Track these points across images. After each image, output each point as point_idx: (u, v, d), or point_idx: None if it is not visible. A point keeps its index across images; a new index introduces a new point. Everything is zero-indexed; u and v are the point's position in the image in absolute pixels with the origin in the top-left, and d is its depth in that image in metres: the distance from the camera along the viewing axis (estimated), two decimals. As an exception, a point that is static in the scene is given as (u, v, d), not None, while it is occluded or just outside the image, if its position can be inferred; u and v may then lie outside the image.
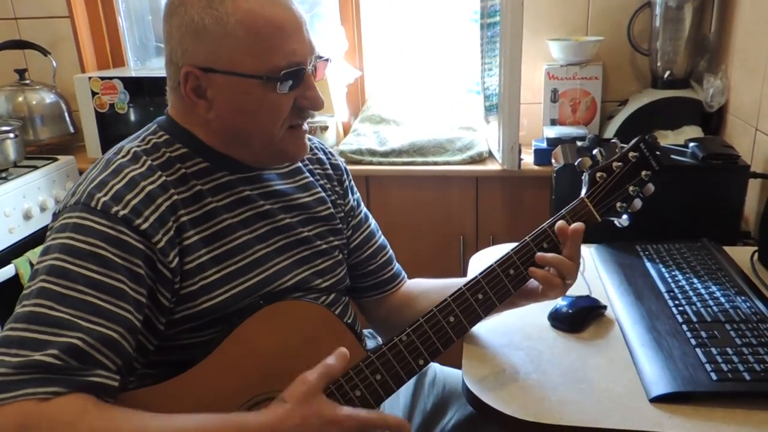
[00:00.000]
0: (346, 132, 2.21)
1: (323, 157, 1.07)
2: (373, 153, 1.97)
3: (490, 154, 1.95)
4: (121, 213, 0.79)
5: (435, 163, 1.93)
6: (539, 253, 0.90)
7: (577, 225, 0.90)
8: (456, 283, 0.93)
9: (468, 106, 2.18)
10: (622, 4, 1.93)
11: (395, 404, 1.12)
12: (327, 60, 0.93)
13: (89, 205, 0.79)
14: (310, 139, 1.08)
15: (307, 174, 1.02)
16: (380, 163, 1.95)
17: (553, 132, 1.87)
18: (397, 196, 1.96)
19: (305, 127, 0.94)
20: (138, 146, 0.89)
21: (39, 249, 0.93)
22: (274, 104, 0.87)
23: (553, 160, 1.67)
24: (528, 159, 1.89)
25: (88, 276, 0.75)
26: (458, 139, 1.99)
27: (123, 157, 0.86)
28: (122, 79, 2.02)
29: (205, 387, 0.81)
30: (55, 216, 0.83)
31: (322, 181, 1.04)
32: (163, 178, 0.86)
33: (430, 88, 2.32)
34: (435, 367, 1.21)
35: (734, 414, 0.80)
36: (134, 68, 2.26)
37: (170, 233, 0.83)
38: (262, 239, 0.92)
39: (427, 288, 1.12)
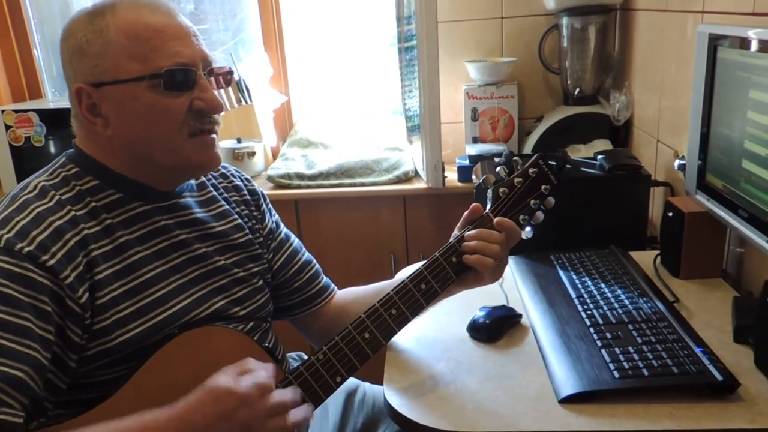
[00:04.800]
0: (275, 157, 2.22)
1: (240, 183, 1.08)
2: (301, 177, 1.99)
3: (416, 173, 2.00)
4: (26, 249, 0.78)
5: (363, 184, 1.96)
6: (470, 233, 0.96)
7: (501, 218, 0.96)
8: (387, 285, 0.96)
9: (393, 127, 2.23)
10: (533, 26, 2.03)
11: (325, 424, 1.13)
12: (230, 72, 0.95)
13: (-8, 243, 0.78)
14: (226, 167, 1.09)
15: (223, 202, 1.03)
16: (309, 187, 1.97)
17: (474, 149, 1.94)
18: (327, 218, 1.98)
19: (213, 136, 0.92)
20: (47, 180, 0.88)
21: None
22: (165, 107, 0.86)
23: (473, 177, 1.73)
24: (453, 176, 1.95)
25: (-8, 315, 0.74)
26: (385, 159, 2.04)
27: (29, 192, 0.85)
28: (38, 111, 1.97)
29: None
30: None
31: (239, 208, 1.05)
32: (73, 212, 0.85)
33: (357, 111, 2.37)
34: (365, 386, 1.23)
35: (635, 409, 0.85)
36: (52, 100, 2.21)
37: (79, 268, 0.82)
38: (177, 270, 0.92)
39: (359, 295, 1.15)
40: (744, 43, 0.99)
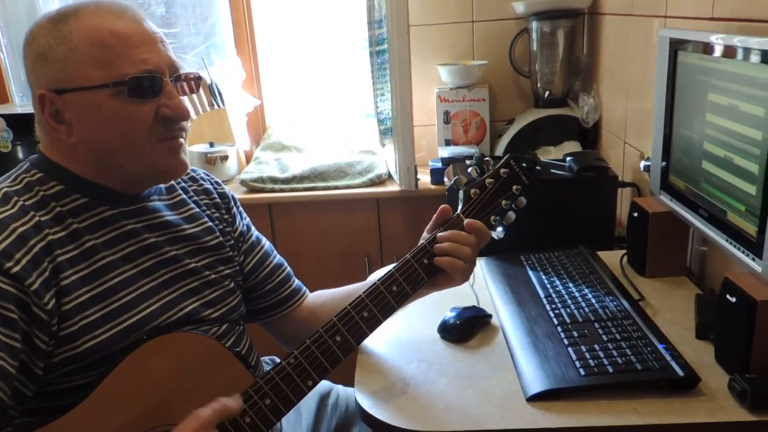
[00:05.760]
0: (248, 160, 2.21)
1: (209, 187, 1.08)
2: (274, 180, 1.99)
3: (390, 176, 2.01)
4: (-10, 257, 0.77)
5: (336, 187, 1.97)
6: (442, 233, 0.97)
7: (472, 220, 0.98)
8: (358, 287, 0.96)
9: (367, 130, 2.24)
10: (503, 30, 2.06)
11: (298, 427, 1.13)
12: (199, 78, 0.94)
13: (-45, 252, 0.77)
14: (195, 170, 1.09)
15: (193, 205, 1.03)
16: (282, 190, 1.97)
17: (446, 152, 1.96)
18: (301, 222, 1.98)
19: (180, 141, 0.91)
20: (9, 186, 0.87)
21: None
22: (130, 114, 0.85)
23: (446, 179, 1.75)
24: (426, 179, 1.96)
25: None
26: (358, 162, 2.04)
27: (-9, 199, 0.84)
28: (5, 116, 1.94)
29: (89, 428, 0.79)
30: None
31: (209, 211, 1.05)
32: (37, 218, 0.84)
33: (330, 114, 2.37)
34: (338, 389, 1.23)
35: (600, 405, 0.87)
36: (19, 105, 2.17)
37: (45, 274, 0.81)
38: (146, 273, 0.92)
39: (330, 297, 1.15)
40: (703, 47, 1.02)
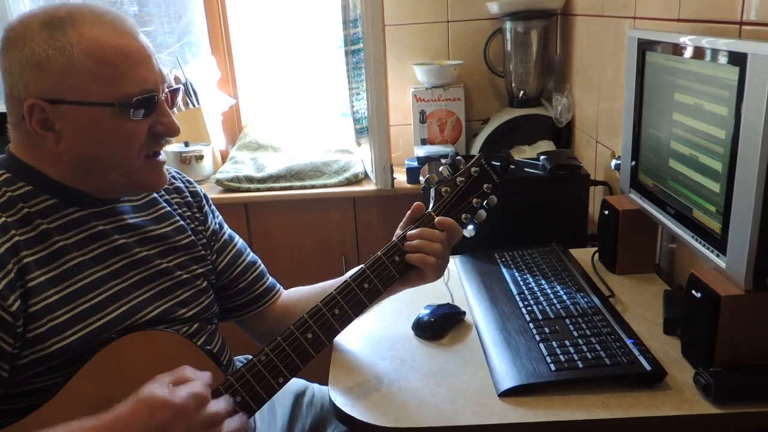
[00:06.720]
0: (224, 160, 2.20)
1: (181, 185, 1.07)
2: (250, 180, 1.98)
3: (366, 175, 2.01)
4: (-48, 259, 0.76)
5: (312, 187, 1.97)
6: (413, 231, 0.98)
7: (442, 218, 0.98)
8: (332, 284, 0.96)
9: (343, 129, 2.24)
10: (478, 30, 2.07)
11: (273, 426, 1.13)
12: (178, 89, 0.94)
13: None
14: (167, 170, 1.08)
15: (164, 204, 1.02)
16: (258, 190, 1.96)
17: (422, 151, 1.96)
18: (277, 222, 1.98)
19: (162, 156, 0.94)
20: (-26, 187, 0.85)
21: None
22: (129, 132, 0.86)
23: (421, 178, 1.76)
24: (402, 178, 1.97)
25: None
26: (334, 161, 2.04)
27: (-44, 200, 0.83)
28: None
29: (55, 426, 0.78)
30: None
31: (180, 210, 1.04)
32: (3, 219, 0.83)
33: (306, 113, 2.37)
34: (313, 387, 1.24)
35: (570, 400, 0.88)
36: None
37: (10, 276, 0.80)
38: (116, 275, 0.91)
39: (304, 295, 1.15)
40: (669, 48, 1.04)
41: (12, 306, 0.79)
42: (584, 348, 0.95)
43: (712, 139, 0.93)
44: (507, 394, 0.90)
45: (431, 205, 1.01)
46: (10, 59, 0.84)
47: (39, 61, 0.82)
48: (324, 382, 1.20)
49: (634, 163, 1.21)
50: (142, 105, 0.85)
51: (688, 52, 0.98)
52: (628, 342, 0.96)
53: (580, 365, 0.92)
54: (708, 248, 0.94)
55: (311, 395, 1.21)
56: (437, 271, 1.00)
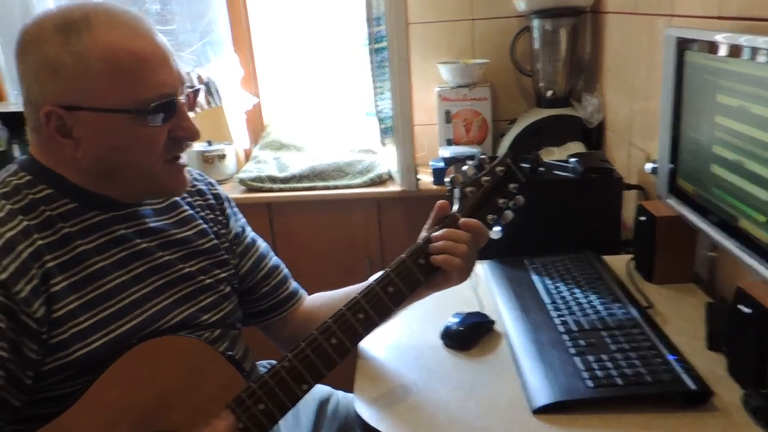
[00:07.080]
0: (247, 159, 2.18)
1: (204, 188, 1.05)
2: (273, 180, 1.96)
3: (390, 176, 1.98)
4: (-25, 265, 0.74)
5: (336, 187, 1.94)
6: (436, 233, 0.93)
7: (467, 219, 0.94)
8: (356, 289, 0.93)
9: (367, 129, 2.21)
10: (504, 28, 2.03)
11: (297, 434, 1.10)
12: (198, 90, 0.92)
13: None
14: (189, 172, 1.06)
15: (187, 207, 1.00)
16: (281, 190, 1.94)
17: (448, 152, 1.93)
18: (300, 222, 1.95)
19: (184, 159, 0.92)
20: (-4, 190, 0.84)
21: None
22: (148, 138, 0.84)
23: (446, 179, 1.71)
24: (427, 179, 1.93)
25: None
26: (358, 162, 2.01)
27: (-23, 204, 0.81)
28: (0, 114, 1.91)
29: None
30: None
31: (203, 213, 1.02)
32: (25, 223, 0.81)
33: (330, 113, 2.34)
34: (338, 395, 1.21)
35: (608, 419, 0.84)
36: (15, 102, 2.14)
37: (34, 281, 0.78)
38: (138, 280, 0.89)
39: (328, 300, 1.12)
40: (710, 47, 0.99)
41: (37, 312, 0.78)
42: (622, 363, 0.91)
43: (759, 144, 0.88)
44: (541, 410, 0.86)
45: (456, 206, 0.98)
46: (25, 64, 0.82)
47: (54, 67, 0.80)
48: (348, 388, 1.18)
49: (672, 167, 1.16)
50: (161, 110, 0.83)
51: (731, 52, 0.93)
52: (670, 358, 0.91)
53: (620, 382, 0.87)
54: (757, 260, 0.89)
55: (336, 402, 1.19)
56: (462, 273, 0.96)
